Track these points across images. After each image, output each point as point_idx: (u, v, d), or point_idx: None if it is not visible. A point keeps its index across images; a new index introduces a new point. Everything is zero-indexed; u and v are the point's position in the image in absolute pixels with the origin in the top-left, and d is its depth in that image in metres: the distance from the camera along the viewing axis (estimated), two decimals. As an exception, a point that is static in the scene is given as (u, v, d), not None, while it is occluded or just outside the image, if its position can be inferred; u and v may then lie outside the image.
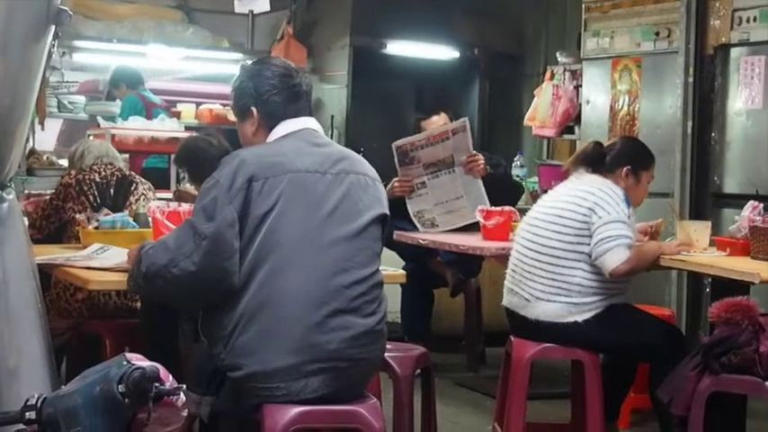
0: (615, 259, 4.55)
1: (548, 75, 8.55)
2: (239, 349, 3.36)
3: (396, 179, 6.36)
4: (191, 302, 3.65)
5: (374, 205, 3.58)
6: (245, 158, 3.43)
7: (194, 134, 6.51)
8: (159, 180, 6.56)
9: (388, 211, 3.68)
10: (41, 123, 7.57)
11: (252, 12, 9.09)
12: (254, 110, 3.59)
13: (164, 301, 3.87)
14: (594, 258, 4.60)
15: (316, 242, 3.41)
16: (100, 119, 8.03)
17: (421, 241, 6.11)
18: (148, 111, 8.28)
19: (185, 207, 4.39)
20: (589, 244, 4.61)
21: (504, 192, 6.37)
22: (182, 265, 3.35)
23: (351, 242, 3.47)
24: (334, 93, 9.27)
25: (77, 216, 4.94)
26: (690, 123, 7.03)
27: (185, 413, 2.57)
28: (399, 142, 6.38)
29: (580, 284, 4.64)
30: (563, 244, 4.66)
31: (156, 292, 3.57)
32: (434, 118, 6.66)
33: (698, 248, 4.88)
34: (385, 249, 3.74)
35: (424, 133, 6.43)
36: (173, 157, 7.08)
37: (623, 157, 4.86)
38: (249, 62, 3.90)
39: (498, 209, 5.91)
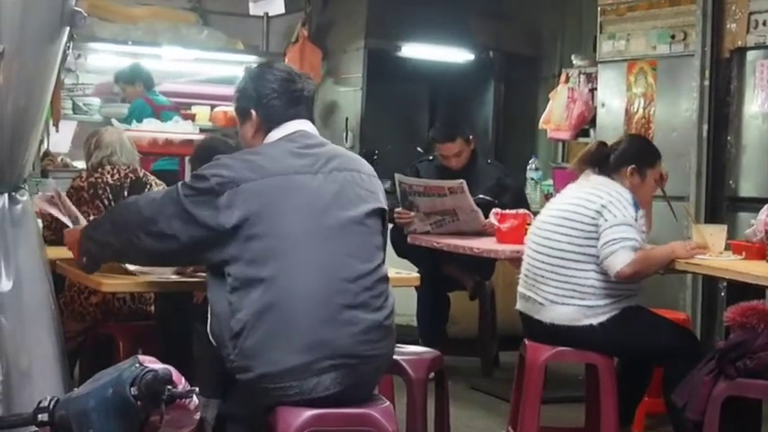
0: (619, 261, 4.55)
1: (563, 77, 8.54)
2: (248, 351, 3.36)
3: (397, 210, 6.29)
4: (151, 260, 3.76)
5: (370, 199, 3.59)
6: (237, 161, 3.48)
7: (211, 134, 6.47)
8: (169, 183, 6.54)
9: (386, 206, 3.69)
10: (56, 125, 7.56)
11: (267, 14, 9.11)
12: (253, 112, 3.62)
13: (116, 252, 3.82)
14: (601, 261, 4.60)
15: (315, 234, 3.42)
16: (114, 121, 8.03)
17: (435, 244, 6.10)
18: (157, 114, 8.25)
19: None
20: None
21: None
22: (161, 225, 3.47)
23: (350, 231, 3.48)
24: (349, 95, 9.26)
25: (91, 219, 4.93)
26: (705, 127, 7.00)
27: (198, 416, 2.57)
28: (401, 178, 6.34)
29: (593, 287, 4.64)
30: (573, 246, 4.66)
31: (125, 246, 3.63)
32: (448, 144, 6.64)
33: (713, 252, 4.85)
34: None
35: (422, 180, 6.38)
36: (186, 158, 7.08)
37: (628, 156, 4.86)
38: (254, 65, 3.91)
39: (513, 212, 5.89)
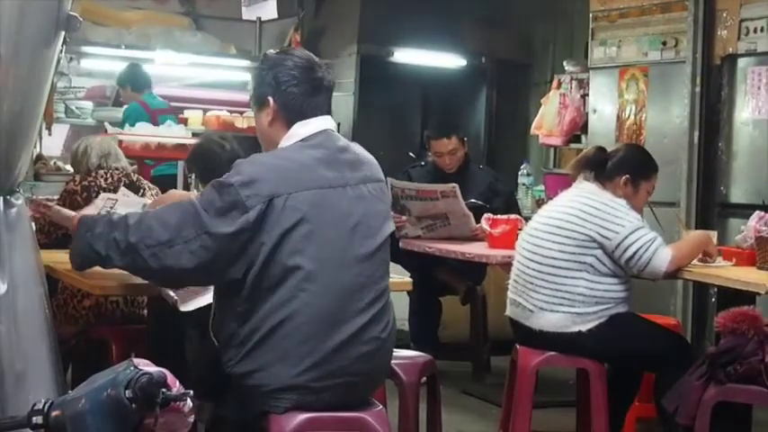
0: (662, 260, 4.59)
1: (555, 83, 8.56)
2: (252, 360, 3.32)
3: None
4: (163, 282, 3.65)
5: (387, 218, 3.56)
6: (267, 170, 3.33)
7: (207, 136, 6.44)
8: (169, 186, 6.54)
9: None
10: (49, 129, 7.57)
11: (259, 19, 9.11)
12: (270, 100, 3.46)
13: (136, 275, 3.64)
14: (640, 270, 4.61)
15: (338, 261, 3.34)
16: (107, 124, 8.02)
17: (427, 249, 6.11)
18: (153, 118, 8.21)
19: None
20: (593, 255, 4.62)
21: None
22: (177, 249, 3.29)
23: (372, 259, 3.43)
24: (342, 100, 9.27)
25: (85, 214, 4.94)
26: (696, 133, 7.03)
27: (192, 419, 2.57)
28: (393, 182, 6.33)
29: (583, 294, 4.64)
30: (564, 254, 4.66)
31: (133, 266, 3.44)
32: (444, 141, 6.64)
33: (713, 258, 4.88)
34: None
35: (415, 184, 6.39)
36: (181, 161, 7.08)
37: (624, 165, 4.84)
38: (272, 51, 3.73)
39: (504, 217, 5.90)
